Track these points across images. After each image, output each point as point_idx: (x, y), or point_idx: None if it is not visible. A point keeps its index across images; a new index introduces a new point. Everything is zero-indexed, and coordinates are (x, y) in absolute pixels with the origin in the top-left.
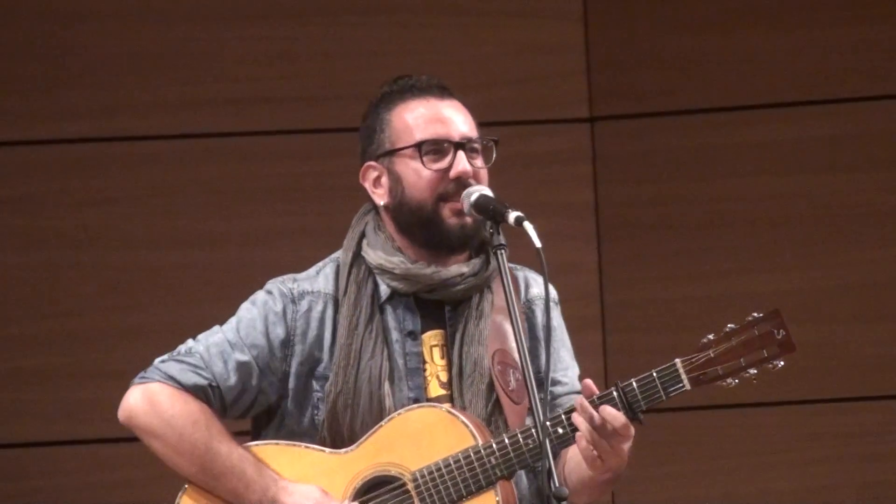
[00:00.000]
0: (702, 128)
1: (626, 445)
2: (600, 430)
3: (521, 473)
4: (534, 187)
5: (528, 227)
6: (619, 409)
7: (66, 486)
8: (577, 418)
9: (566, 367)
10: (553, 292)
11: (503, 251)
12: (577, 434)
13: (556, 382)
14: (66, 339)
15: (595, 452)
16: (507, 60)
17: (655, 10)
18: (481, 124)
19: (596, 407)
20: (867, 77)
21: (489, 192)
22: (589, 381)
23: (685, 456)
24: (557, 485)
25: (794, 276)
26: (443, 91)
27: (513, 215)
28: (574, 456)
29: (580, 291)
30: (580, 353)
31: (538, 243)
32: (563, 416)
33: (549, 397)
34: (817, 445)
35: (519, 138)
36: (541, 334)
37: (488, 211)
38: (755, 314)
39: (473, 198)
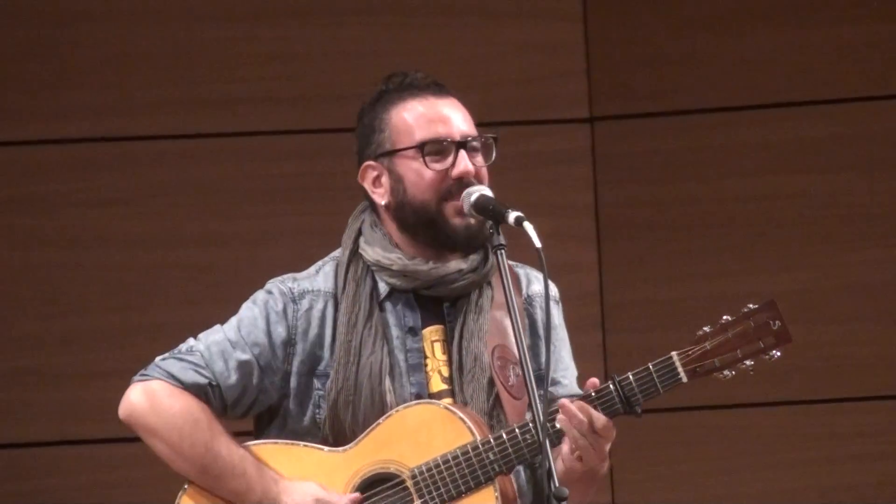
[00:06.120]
0: (702, 128)
1: (607, 446)
2: (582, 429)
3: (519, 468)
4: (534, 187)
5: (528, 227)
6: (616, 403)
7: (67, 486)
8: (560, 417)
9: (566, 368)
10: (554, 290)
11: (502, 251)
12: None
13: (555, 382)
14: (66, 339)
15: (575, 450)
16: (507, 60)
17: (655, 10)
18: (481, 124)
19: (582, 406)
20: (867, 77)
21: (489, 192)
22: (594, 380)
23: (685, 456)
24: (557, 485)
25: (793, 276)
26: (440, 89)
27: (513, 215)
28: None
29: (580, 291)
30: (580, 353)
31: (538, 243)
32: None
33: (548, 396)
34: (817, 445)
35: (519, 138)
36: (542, 332)
37: (488, 211)
38: (751, 305)
39: (473, 198)
